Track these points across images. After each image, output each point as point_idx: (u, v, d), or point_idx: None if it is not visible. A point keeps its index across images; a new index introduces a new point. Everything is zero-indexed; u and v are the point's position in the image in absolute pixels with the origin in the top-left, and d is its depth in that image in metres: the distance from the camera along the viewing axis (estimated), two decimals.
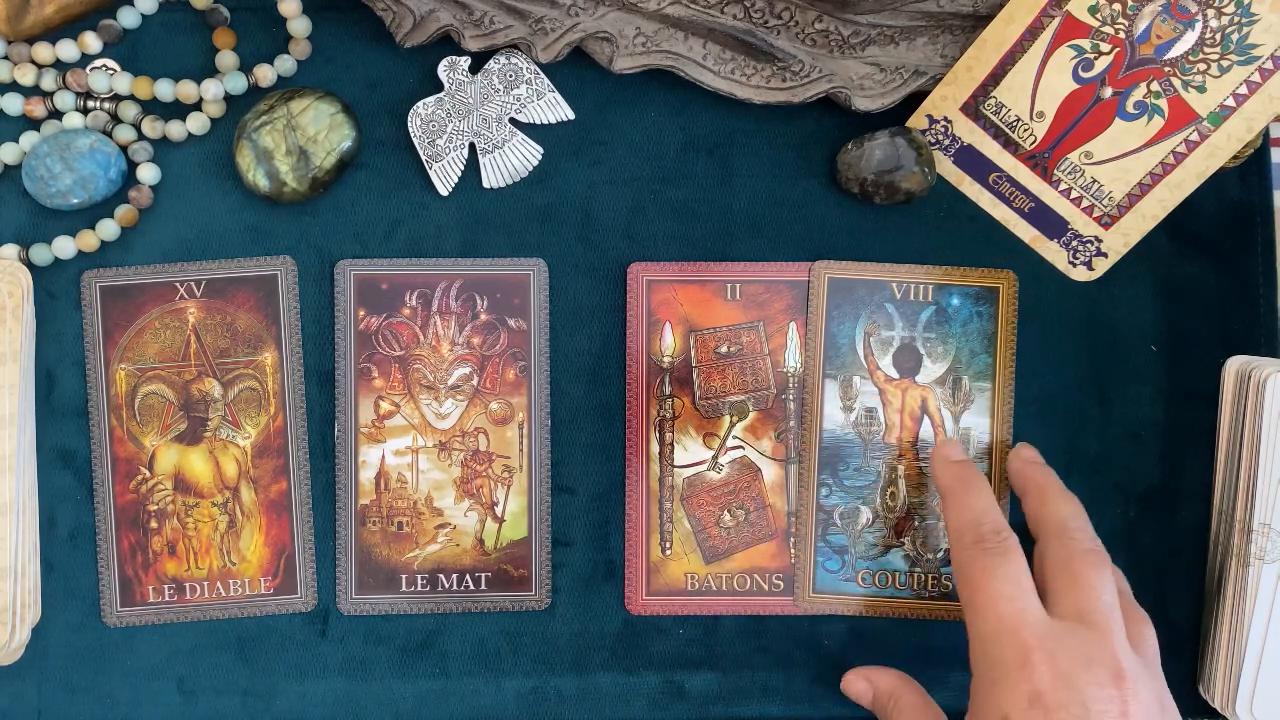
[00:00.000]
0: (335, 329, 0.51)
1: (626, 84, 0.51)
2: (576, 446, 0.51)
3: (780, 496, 0.51)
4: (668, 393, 0.51)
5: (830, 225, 0.52)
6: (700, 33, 0.49)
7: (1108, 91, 0.49)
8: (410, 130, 0.50)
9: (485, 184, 0.51)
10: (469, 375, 0.51)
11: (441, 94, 0.50)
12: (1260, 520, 0.48)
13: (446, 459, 0.51)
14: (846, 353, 0.51)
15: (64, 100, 0.50)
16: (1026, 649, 0.41)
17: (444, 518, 0.51)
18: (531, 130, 0.51)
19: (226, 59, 0.50)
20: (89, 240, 0.49)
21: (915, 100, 0.51)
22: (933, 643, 0.52)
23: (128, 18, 0.50)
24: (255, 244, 0.51)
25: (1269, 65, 0.48)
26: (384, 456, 0.51)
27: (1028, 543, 0.46)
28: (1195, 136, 0.49)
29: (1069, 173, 0.51)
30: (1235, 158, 0.50)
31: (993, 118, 0.50)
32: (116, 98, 0.50)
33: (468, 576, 0.51)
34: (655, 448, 0.51)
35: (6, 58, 0.50)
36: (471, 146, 0.51)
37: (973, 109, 0.50)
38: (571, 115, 0.51)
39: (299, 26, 0.50)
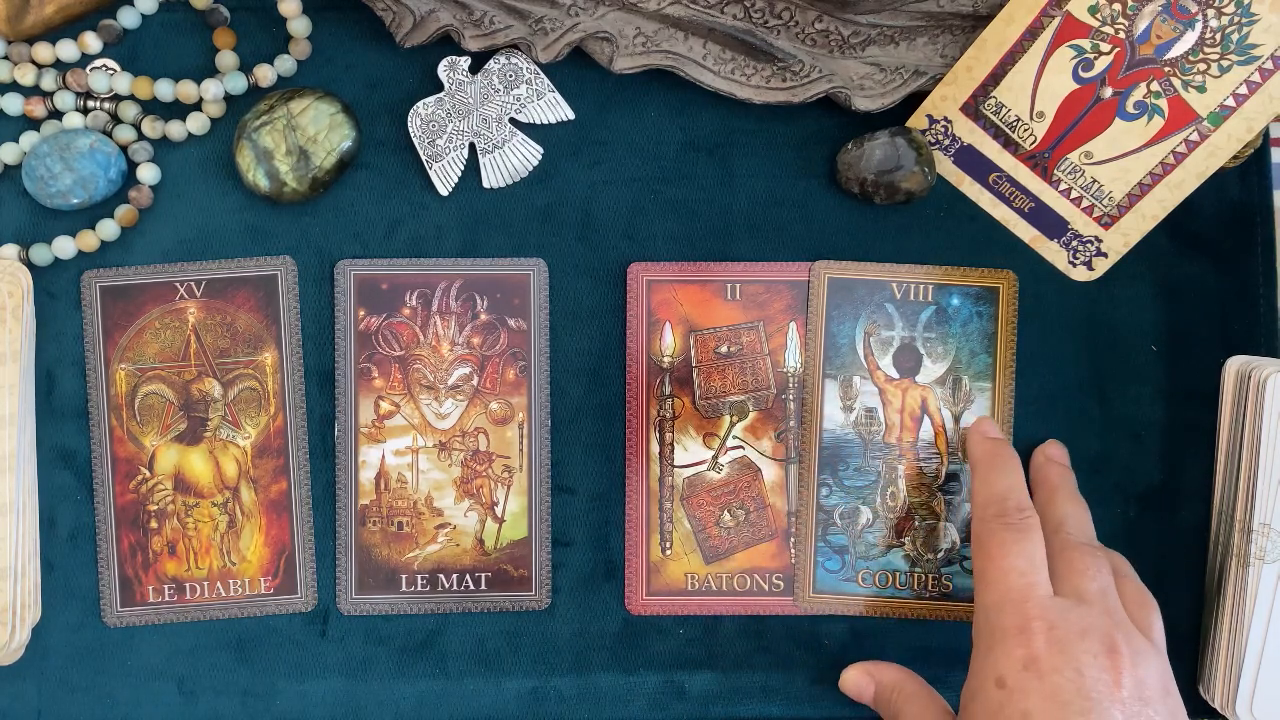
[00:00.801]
0: (335, 329, 0.51)
1: (626, 84, 0.51)
2: (576, 446, 0.51)
3: (780, 496, 0.51)
4: (668, 393, 0.51)
5: (830, 225, 0.52)
6: (700, 33, 0.49)
7: (1108, 91, 0.49)
8: (410, 130, 0.50)
9: (485, 184, 0.51)
10: (469, 375, 0.51)
11: (441, 94, 0.50)
12: (1260, 520, 0.48)
13: (446, 459, 0.51)
14: (846, 353, 0.51)
15: (64, 100, 0.50)
16: (1027, 618, 0.42)
17: (444, 518, 0.51)
18: (531, 130, 0.51)
19: (226, 59, 0.50)
20: (89, 240, 0.49)
21: (915, 100, 0.51)
22: (933, 643, 0.52)
23: (128, 18, 0.50)
24: (255, 244, 0.51)
25: (1269, 65, 0.48)
26: (384, 456, 0.51)
27: None
28: (1195, 136, 0.49)
29: (1069, 173, 0.51)
30: (1235, 158, 0.50)
31: (993, 118, 0.50)
32: (116, 98, 0.50)
33: (468, 576, 0.51)
34: (655, 448, 0.51)
35: (6, 58, 0.50)
36: (471, 146, 0.51)
37: (973, 109, 0.50)
38: (571, 115, 0.51)
39: (299, 26, 0.50)
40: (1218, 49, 0.48)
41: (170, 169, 0.50)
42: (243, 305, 0.50)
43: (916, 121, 0.51)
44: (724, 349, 0.51)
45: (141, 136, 0.50)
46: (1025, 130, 0.50)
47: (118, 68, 0.50)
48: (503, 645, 0.51)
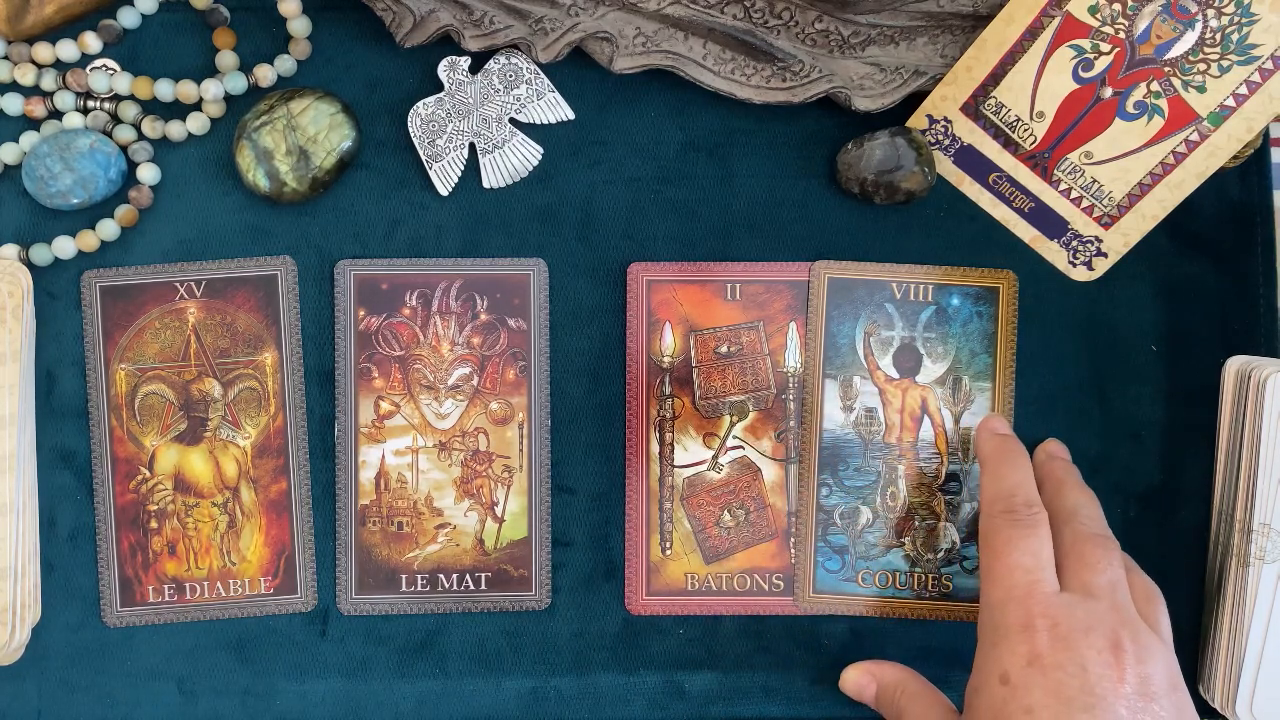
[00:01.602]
0: (335, 329, 0.51)
1: (626, 84, 0.51)
2: (576, 446, 0.51)
3: (780, 496, 0.51)
4: (668, 393, 0.51)
5: (830, 225, 0.52)
6: (700, 33, 0.49)
7: (1108, 91, 0.49)
8: (410, 130, 0.50)
9: (485, 184, 0.51)
10: (469, 375, 0.51)
11: (441, 94, 0.50)
12: (1260, 520, 0.48)
13: (446, 459, 0.51)
14: (846, 353, 0.51)
15: (64, 100, 0.50)
16: (1031, 615, 0.42)
17: (444, 518, 0.51)
18: (531, 130, 0.51)
19: (226, 59, 0.50)
20: (89, 240, 0.49)
21: (915, 100, 0.51)
22: (933, 643, 0.52)
23: (128, 18, 0.50)
24: (255, 244, 0.51)
25: (1269, 65, 0.48)
26: (384, 456, 0.51)
27: None
28: (1195, 136, 0.49)
29: (1069, 173, 0.51)
30: (1235, 158, 0.50)
31: (993, 118, 0.50)
32: (116, 98, 0.50)
33: (468, 576, 0.51)
34: (655, 448, 0.51)
35: (6, 58, 0.50)
36: (471, 146, 0.51)
37: (973, 109, 0.50)
38: (571, 115, 0.51)
39: (299, 26, 0.50)
40: (1218, 49, 0.48)
41: (170, 169, 0.50)
42: (243, 305, 0.50)
43: (916, 121, 0.51)
44: (724, 349, 0.51)
45: (141, 136, 0.50)
46: (1025, 130, 0.50)
47: (118, 68, 0.50)
48: (503, 645, 0.51)
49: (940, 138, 0.51)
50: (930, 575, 0.52)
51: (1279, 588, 0.48)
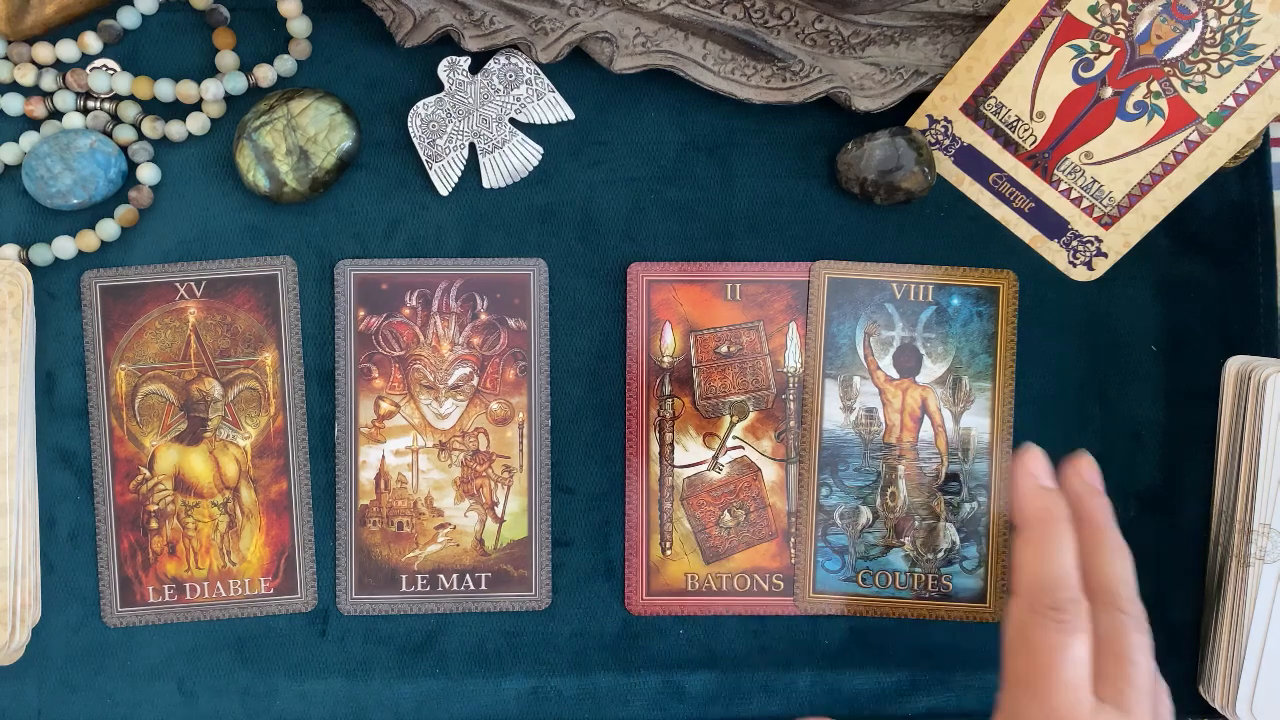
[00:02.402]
0: (335, 329, 0.51)
1: (626, 84, 0.51)
2: (576, 446, 0.51)
3: (780, 496, 0.51)
4: (668, 393, 0.51)
5: (830, 225, 0.52)
6: (700, 33, 0.49)
7: (1108, 91, 0.49)
8: (410, 130, 0.50)
9: (485, 184, 0.51)
10: (469, 375, 0.51)
11: (441, 94, 0.50)
12: (1260, 520, 0.48)
13: (446, 459, 0.51)
14: (846, 353, 0.51)
15: (64, 100, 0.50)
16: None
17: (444, 518, 0.51)
18: (531, 130, 0.51)
19: (226, 59, 0.50)
20: (89, 240, 0.49)
21: (915, 100, 0.51)
22: (933, 643, 0.52)
23: (128, 18, 0.50)
24: (255, 244, 0.51)
25: (1269, 65, 0.48)
26: (384, 456, 0.51)
27: None
28: (1195, 136, 0.49)
29: (1069, 173, 0.51)
30: (1235, 158, 0.50)
31: (993, 118, 0.50)
32: (116, 98, 0.50)
33: (468, 576, 0.51)
34: (655, 448, 0.51)
35: (6, 58, 0.50)
36: (471, 146, 0.51)
37: (973, 109, 0.50)
38: (571, 115, 0.51)
39: (299, 26, 0.50)
40: (1218, 49, 0.48)
41: (170, 169, 0.50)
42: (243, 305, 0.50)
43: (916, 121, 0.51)
44: (724, 349, 0.51)
45: (141, 136, 0.50)
46: (1025, 130, 0.50)
47: (118, 68, 0.50)
48: (502, 645, 0.51)
49: (940, 138, 0.51)
50: (930, 575, 0.52)
51: (1279, 588, 0.48)
